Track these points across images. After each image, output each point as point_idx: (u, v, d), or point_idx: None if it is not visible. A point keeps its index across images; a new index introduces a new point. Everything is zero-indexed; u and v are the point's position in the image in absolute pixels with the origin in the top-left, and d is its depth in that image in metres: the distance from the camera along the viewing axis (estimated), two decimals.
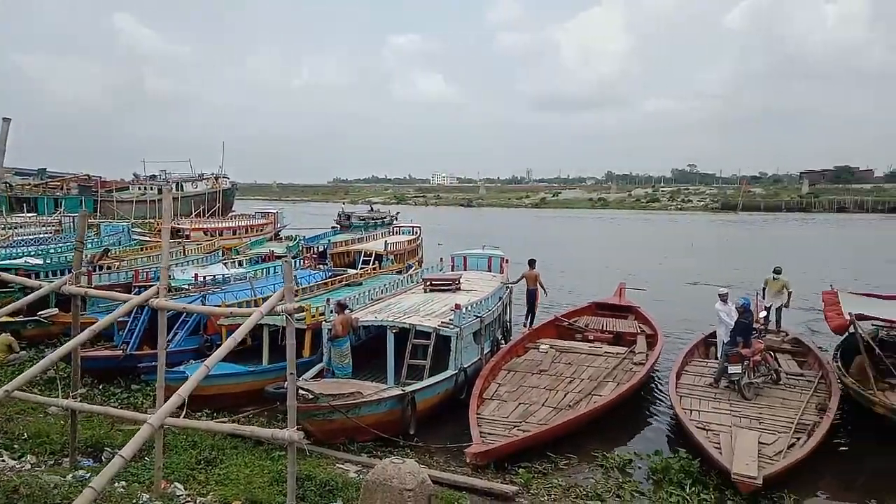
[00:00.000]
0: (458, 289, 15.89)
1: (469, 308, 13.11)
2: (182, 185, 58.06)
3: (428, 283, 16.15)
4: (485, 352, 13.66)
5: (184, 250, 25.30)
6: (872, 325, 13.37)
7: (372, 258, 24.54)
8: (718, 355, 13.14)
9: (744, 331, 12.03)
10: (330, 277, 18.43)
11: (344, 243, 27.56)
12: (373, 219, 50.30)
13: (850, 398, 11.77)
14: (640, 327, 16.59)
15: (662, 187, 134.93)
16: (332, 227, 39.50)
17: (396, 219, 49.13)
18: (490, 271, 19.55)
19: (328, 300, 13.07)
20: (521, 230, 59.92)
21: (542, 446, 10.05)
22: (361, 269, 22.07)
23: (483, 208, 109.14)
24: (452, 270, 19.23)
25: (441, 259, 20.10)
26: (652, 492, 8.76)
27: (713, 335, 14.40)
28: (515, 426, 10.50)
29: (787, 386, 12.25)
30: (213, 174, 62.20)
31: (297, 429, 5.75)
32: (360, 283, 17.83)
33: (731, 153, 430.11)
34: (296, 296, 14.45)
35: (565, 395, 12.00)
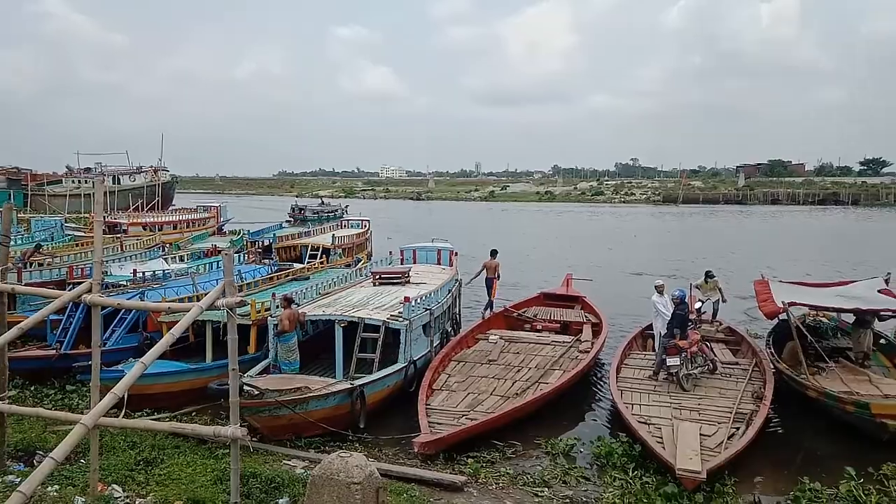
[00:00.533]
0: (408, 282, 15.86)
1: (418, 301, 13.09)
2: (119, 178, 55.82)
3: (377, 277, 16.06)
4: (434, 344, 13.69)
5: (121, 245, 24.38)
6: (811, 312, 14.01)
7: (319, 252, 24.22)
8: (656, 347, 13.37)
9: (681, 322, 12.19)
10: (276, 272, 18.10)
11: (290, 237, 27.09)
12: (325, 212, 50.29)
13: (783, 383, 12.29)
14: (586, 316, 16.97)
15: (607, 181, 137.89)
16: (287, 221, 38.96)
17: (346, 212, 48.91)
18: (439, 264, 19.59)
19: (273, 295, 12.82)
20: (471, 223, 60.22)
21: (491, 434, 10.15)
22: (308, 263, 21.75)
23: (433, 202, 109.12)
24: (402, 264, 19.19)
25: (390, 252, 20.06)
26: (597, 476, 8.97)
27: (650, 327, 14.67)
28: (464, 415, 10.58)
29: (724, 375, 12.51)
30: (151, 166, 60.03)
31: (242, 425, 5.63)
32: (308, 278, 17.60)
33: (672, 148, 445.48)
34: (240, 291, 14.21)
35: (513, 384, 12.16)
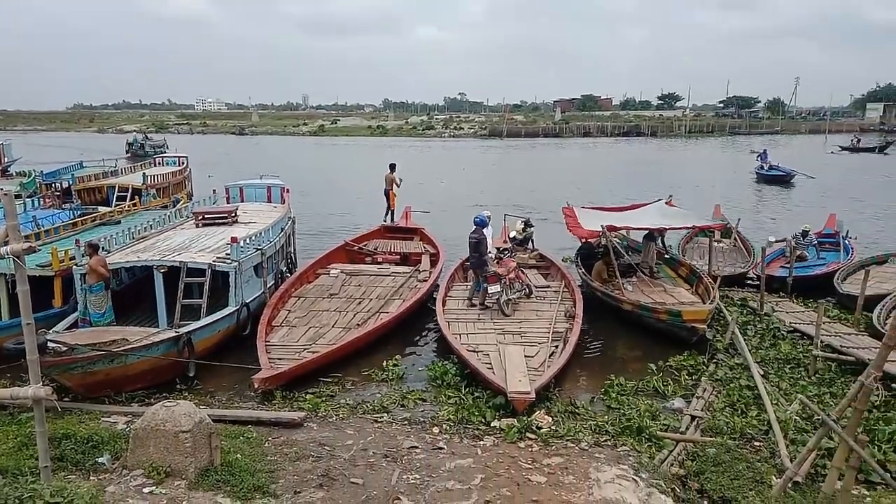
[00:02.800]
0: (235, 221, 15.10)
1: (248, 241, 12.54)
2: None
3: (200, 218, 15.04)
4: (268, 285, 13.29)
5: None
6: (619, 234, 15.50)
7: (129, 193, 21.99)
8: (469, 278, 13.56)
9: (475, 248, 12.51)
10: (80, 216, 16.19)
11: (93, 178, 24.25)
12: (159, 146, 48.67)
13: (594, 299, 13.59)
14: (424, 247, 17.49)
15: (436, 115, 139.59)
16: (126, 157, 36.52)
17: (168, 147, 46.49)
18: (270, 202, 18.75)
19: (78, 242, 11.52)
20: (303, 159, 58.20)
21: (333, 366, 10.25)
22: (116, 206, 19.72)
23: (258, 136, 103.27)
24: (228, 203, 18.11)
25: (214, 191, 18.75)
26: (433, 397, 9.42)
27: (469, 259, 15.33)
28: (305, 349, 10.57)
29: (539, 298, 13.39)
30: None
31: (48, 384, 5.08)
32: (118, 222, 16.01)
33: (496, 83, 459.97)
34: (37, 239, 12.59)
35: (354, 316, 12.33)
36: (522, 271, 13.88)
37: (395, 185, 20.87)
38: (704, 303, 12.56)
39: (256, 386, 9.15)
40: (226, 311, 11.28)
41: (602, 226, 13.38)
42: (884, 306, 12.11)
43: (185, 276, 11.08)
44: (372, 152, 69.63)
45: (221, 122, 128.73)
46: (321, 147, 79.71)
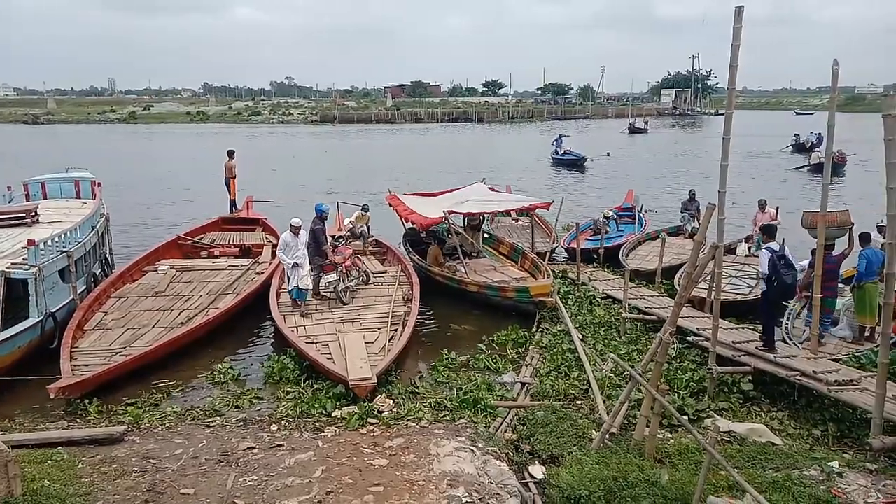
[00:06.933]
0: (36, 221, 13.44)
1: (50, 243, 11.19)
2: None
3: None
4: (79, 291, 11.99)
5: None
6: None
7: None
8: (288, 274, 12.58)
9: (316, 235, 12.31)
10: None
11: None
12: None
13: (432, 281, 13.88)
14: (267, 238, 16.80)
15: (263, 100, 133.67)
16: None
17: None
18: (79, 198, 16.81)
19: None
20: (115, 149, 52.86)
21: (152, 370, 9.61)
22: None
23: (56, 125, 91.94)
24: (28, 200, 15.96)
25: (9, 188, 16.39)
26: (270, 394, 9.13)
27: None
28: (118, 353, 9.77)
29: (377, 284, 13.46)
30: None
31: None
32: None
33: (325, 67, 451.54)
34: None
35: (180, 314, 11.59)
36: (359, 258, 13.87)
37: (234, 173, 20.10)
38: (536, 278, 13.38)
39: (52, 396, 8.31)
40: (26, 324, 10.01)
41: (444, 211, 13.73)
42: (684, 271, 13.77)
43: None
44: (194, 140, 65.23)
45: (9, 109, 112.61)
46: (136, 136, 73.00)
